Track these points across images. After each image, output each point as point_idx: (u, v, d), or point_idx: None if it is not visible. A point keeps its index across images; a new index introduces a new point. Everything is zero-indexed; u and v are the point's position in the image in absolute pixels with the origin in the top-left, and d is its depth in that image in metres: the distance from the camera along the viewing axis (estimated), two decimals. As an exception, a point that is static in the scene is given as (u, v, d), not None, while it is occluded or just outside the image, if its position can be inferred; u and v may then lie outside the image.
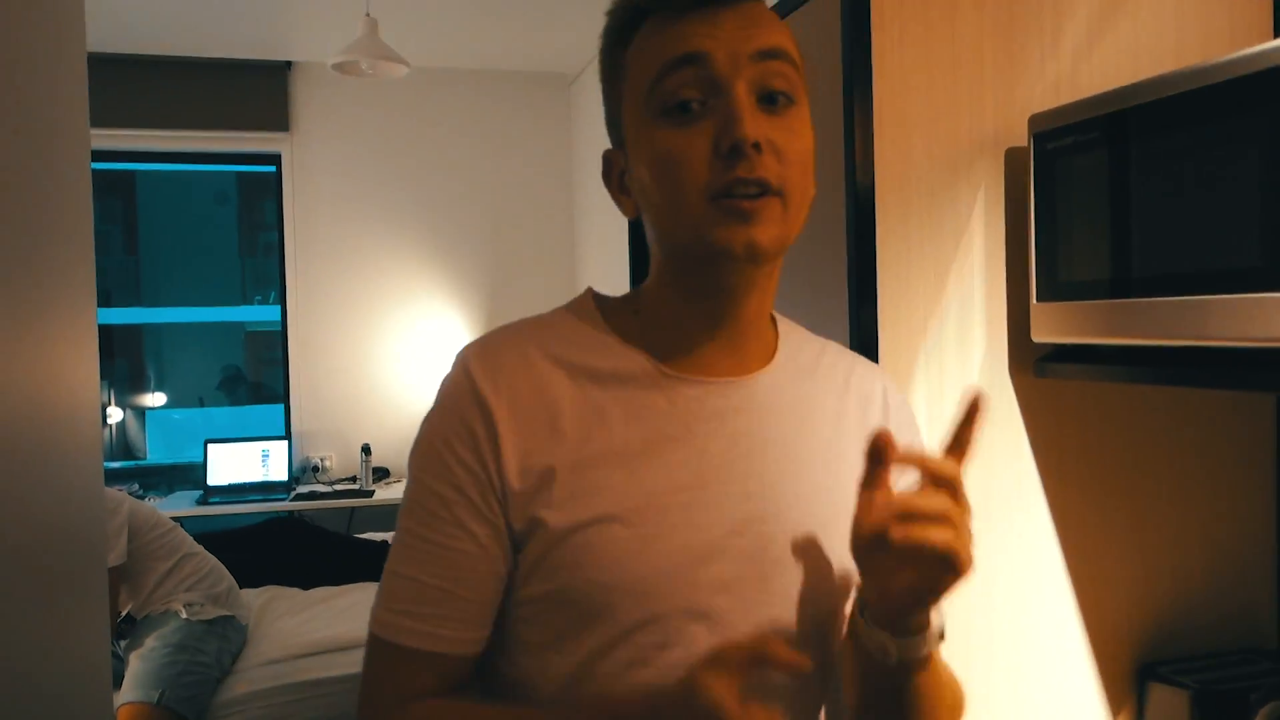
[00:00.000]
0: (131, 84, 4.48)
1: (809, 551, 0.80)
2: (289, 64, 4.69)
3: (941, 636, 0.78)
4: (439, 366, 4.83)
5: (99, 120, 4.39)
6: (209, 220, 14.14)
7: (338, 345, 4.82)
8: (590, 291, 0.89)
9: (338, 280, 4.82)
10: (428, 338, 4.93)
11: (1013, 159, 1.26)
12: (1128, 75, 1.27)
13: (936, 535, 0.67)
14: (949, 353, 1.25)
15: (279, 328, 4.93)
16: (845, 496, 0.77)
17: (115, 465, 4.99)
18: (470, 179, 4.97)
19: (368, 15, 3.23)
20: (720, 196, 0.74)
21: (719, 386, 0.82)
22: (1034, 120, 1.20)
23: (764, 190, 0.74)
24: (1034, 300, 1.21)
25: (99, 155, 4.69)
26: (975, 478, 1.26)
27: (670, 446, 0.80)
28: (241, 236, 14.49)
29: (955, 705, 0.86)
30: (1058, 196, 1.17)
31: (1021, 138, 1.24)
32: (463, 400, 0.80)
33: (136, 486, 4.51)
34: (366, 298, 4.86)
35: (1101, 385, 1.29)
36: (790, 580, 0.80)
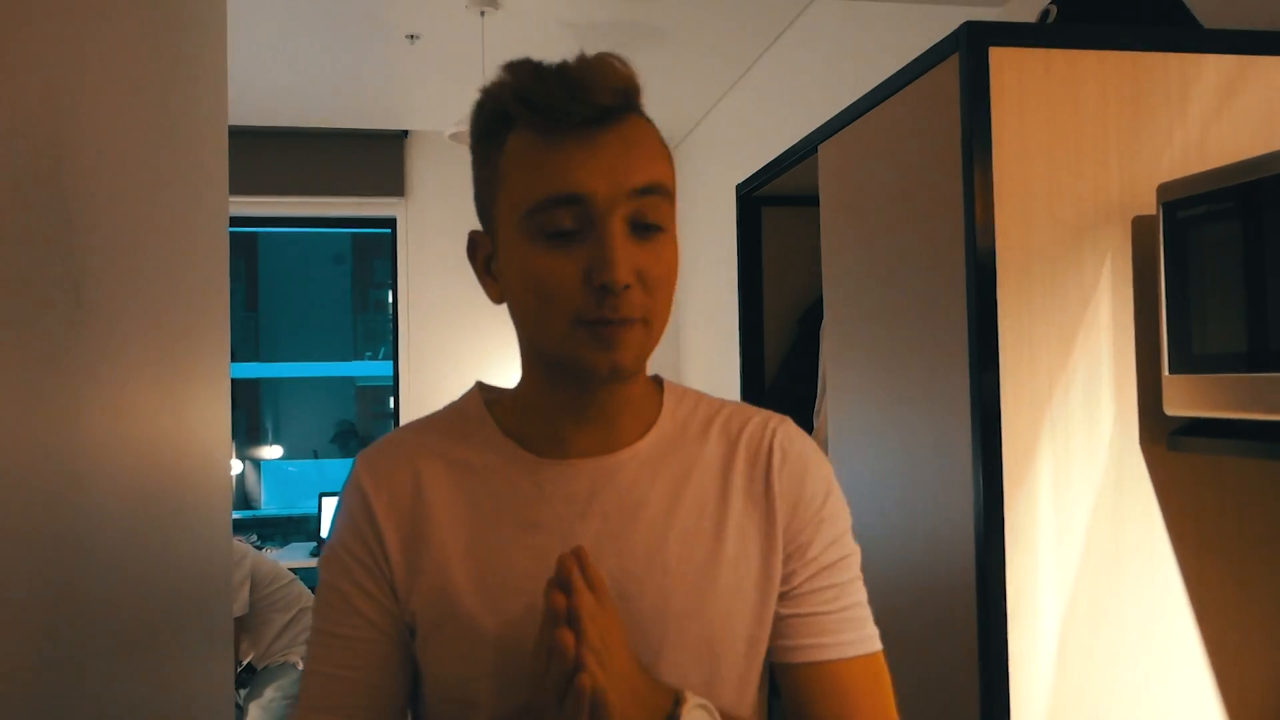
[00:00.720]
0: (258, 154, 4.74)
1: (684, 620, 0.83)
2: (406, 133, 4.90)
3: None
4: (543, 424, 4.91)
5: (239, 189, 4.65)
6: (324, 279, 14.75)
7: (445, 400, 4.94)
8: (478, 385, 0.95)
9: (446, 337, 4.96)
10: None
11: (1140, 227, 1.23)
12: (1262, 144, 1.24)
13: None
14: (1076, 422, 1.22)
15: (389, 382, 5.09)
16: (731, 551, 0.84)
17: (235, 516, 5.19)
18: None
19: (480, 89, 3.36)
20: (586, 324, 0.78)
21: (586, 467, 0.85)
22: (1163, 189, 1.18)
23: (629, 321, 0.78)
24: (1166, 372, 1.17)
25: (238, 220, 4.97)
26: (1105, 554, 1.22)
27: (539, 532, 0.84)
28: (354, 294, 15.07)
29: None
30: (1189, 266, 1.14)
31: (1149, 206, 1.22)
32: (353, 504, 0.87)
33: (254, 537, 4.68)
34: (473, 354, 4.98)
35: (1241, 460, 1.24)
36: (668, 649, 0.82)
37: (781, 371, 2.19)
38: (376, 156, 4.89)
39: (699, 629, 0.83)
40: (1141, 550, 1.23)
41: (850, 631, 0.87)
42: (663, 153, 0.83)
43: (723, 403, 0.94)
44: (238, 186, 4.94)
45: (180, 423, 1.82)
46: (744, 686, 0.86)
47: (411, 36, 3.63)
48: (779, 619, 0.87)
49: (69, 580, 1.18)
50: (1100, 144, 1.23)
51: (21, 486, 1.18)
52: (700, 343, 4.75)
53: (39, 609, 1.06)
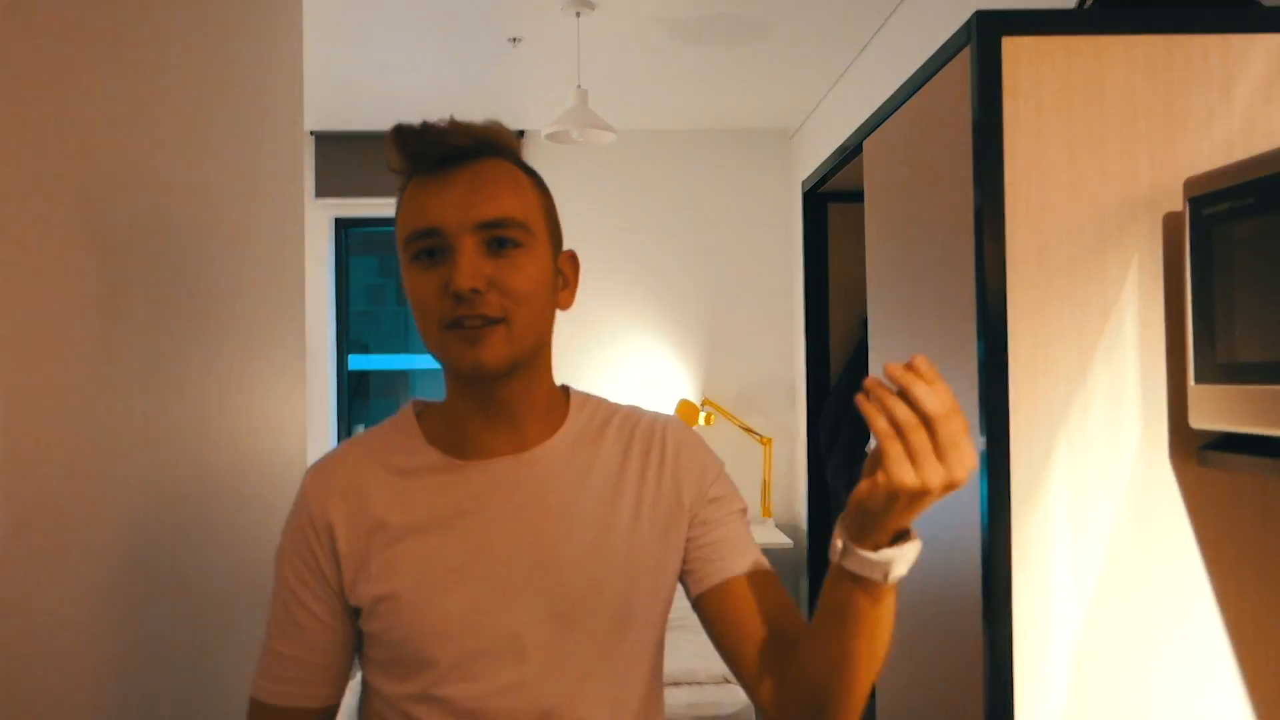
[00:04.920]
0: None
1: (591, 586, 0.97)
2: (522, 133, 5.01)
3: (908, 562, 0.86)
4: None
5: (375, 190, 4.89)
6: (468, 274, 15.31)
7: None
8: (412, 403, 1.08)
9: (573, 330, 5.04)
10: (651, 385, 5.05)
11: (1171, 225, 1.14)
12: (1314, 129, 1.12)
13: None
14: (1095, 437, 1.14)
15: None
16: (625, 529, 0.99)
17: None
18: (690, 236, 5.08)
19: (578, 87, 3.41)
20: (451, 327, 0.92)
21: (500, 466, 1.00)
22: (1189, 184, 1.08)
23: (487, 321, 0.92)
24: (1191, 382, 1.08)
25: (380, 221, 5.19)
26: (1129, 579, 1.14)
27: (464, 520, 0.97)
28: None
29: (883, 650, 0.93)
30: (1216, 268, 1.05)
31: (1181, 202, 1.12)
32: (300, 511, 1.01)
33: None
34: (593, 350, 5.05)
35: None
36: (581, 611, 0.97)
37: (845, 371, 2.13)
38: (495, 156, 5.02)
39: (603, 592, 0.98)
40: (1171, 575, 1.14)
41: (750, 551, 1.04)
42: (516, 189, 0.96)
43: (617, 405, 1.10)
44: (383, 189, 5.16)
45: (258, 420, 1.94)
46: (643, 647, 1.01)
47: (514, 39, 3.70)
48: (693, 550, 1.03)
49: (173, 556, 1.29)
50: (1128, 136, 1.15)
51: (129, 478, 1.30)
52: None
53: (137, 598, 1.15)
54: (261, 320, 1.96)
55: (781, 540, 4.48)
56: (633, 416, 1.08)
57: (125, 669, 1.27)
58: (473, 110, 4.60)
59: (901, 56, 3.53)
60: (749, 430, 4.83)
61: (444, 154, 0.95)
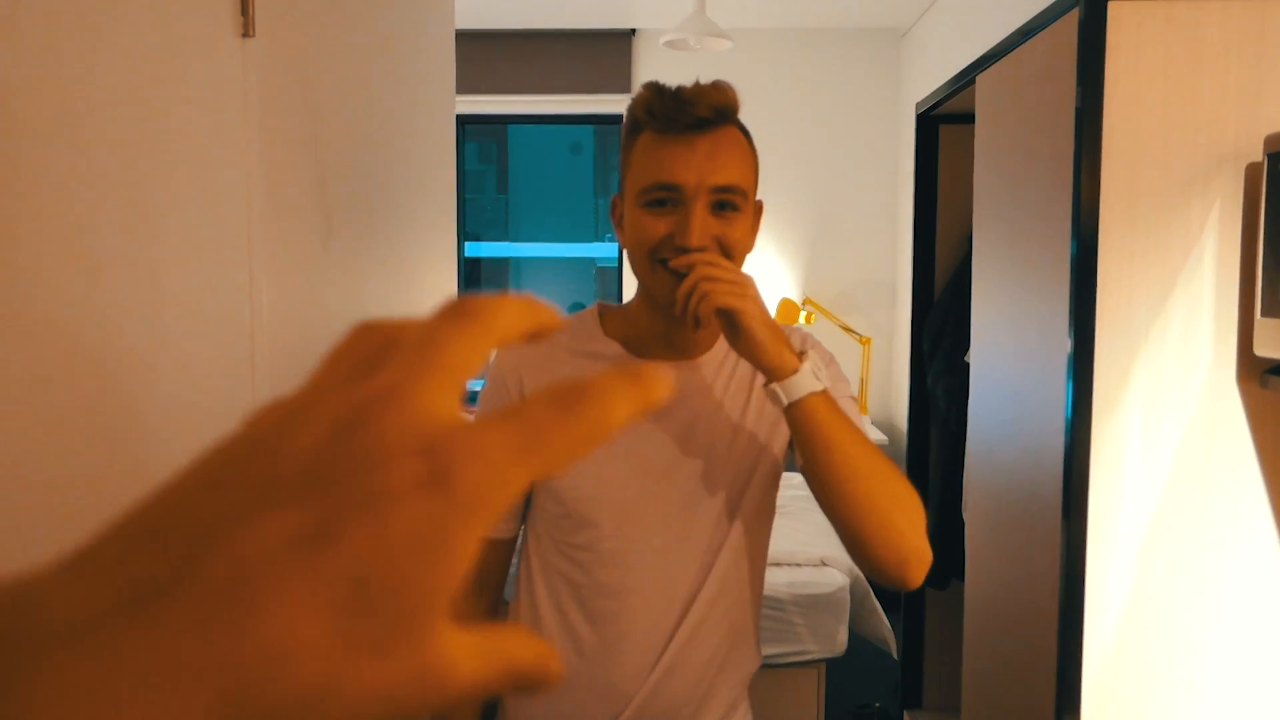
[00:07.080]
0: (503, 55, 5.12)
1: (715, 487, 1.20)
2: (633, 31, 5.11)
3: (819, 389, 1.07)
4: (756, 315, 5.13)
5: (479, 87, 5.10)
6: (567, 165, 15.43)
7: (666, 291, 5.24)
8: (598, 304, 1.27)
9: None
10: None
11: (1252, 175, 1.28)
12: (1393, 88, 1.24)
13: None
14: (1170, 357, 1.32)
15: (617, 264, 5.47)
16: (749, 433, 1.20)
17: (473, 387, 5.79)
18: (794, 136, 5.16)
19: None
20: (662, 261, 1.10)
21: (675, 368, 1.20)
22: (1270, 140, 1.22)
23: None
24: (1258, 315, 1.24)
25: (477, 118, 5.43)
26: (1192, 478, 1.33)
27: None
28: (596, 179, 15.70)
29: (885, 475, 1.09)
30: (1287, 216, 1.20)
31: (1262, 154, 1.26)
32: (494, 376, 1.24)
33: (495, 407, 5.24)
34: (694, 248, 5.23)
35: (1336, 399, 1.29)
36: (706, 504, 1.19)
37: (950, 284, 2.29)
38: (606, 54, 5.16)
39: (722, 489, 1.22)
40: (1231, 481, 1.32)
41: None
42: (747, 159, 1.13)
43: None
44: (485, 85, 5.33)
45: (412, 300, 2.22)
46: (750, 533, 1.23)
47: (633, -55, 3.80)
48: None
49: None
50: (1219, 92, 1.28)
51: (292, 358, 1.58)
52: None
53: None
54: (426, 218, 2.23)
55: (877, 437, 4.69)
56: None
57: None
58: (587, 9, 4.73)
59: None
60: (848, 330, 4.99)
61: (691, 122, 1.08)
